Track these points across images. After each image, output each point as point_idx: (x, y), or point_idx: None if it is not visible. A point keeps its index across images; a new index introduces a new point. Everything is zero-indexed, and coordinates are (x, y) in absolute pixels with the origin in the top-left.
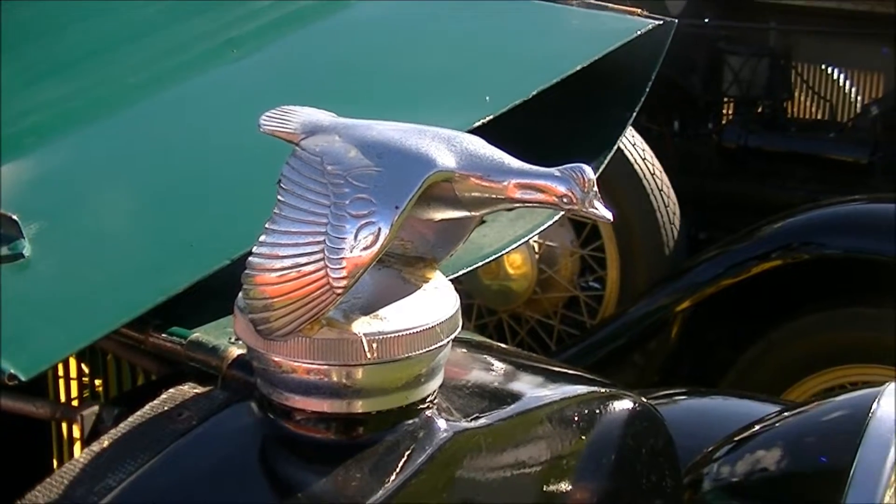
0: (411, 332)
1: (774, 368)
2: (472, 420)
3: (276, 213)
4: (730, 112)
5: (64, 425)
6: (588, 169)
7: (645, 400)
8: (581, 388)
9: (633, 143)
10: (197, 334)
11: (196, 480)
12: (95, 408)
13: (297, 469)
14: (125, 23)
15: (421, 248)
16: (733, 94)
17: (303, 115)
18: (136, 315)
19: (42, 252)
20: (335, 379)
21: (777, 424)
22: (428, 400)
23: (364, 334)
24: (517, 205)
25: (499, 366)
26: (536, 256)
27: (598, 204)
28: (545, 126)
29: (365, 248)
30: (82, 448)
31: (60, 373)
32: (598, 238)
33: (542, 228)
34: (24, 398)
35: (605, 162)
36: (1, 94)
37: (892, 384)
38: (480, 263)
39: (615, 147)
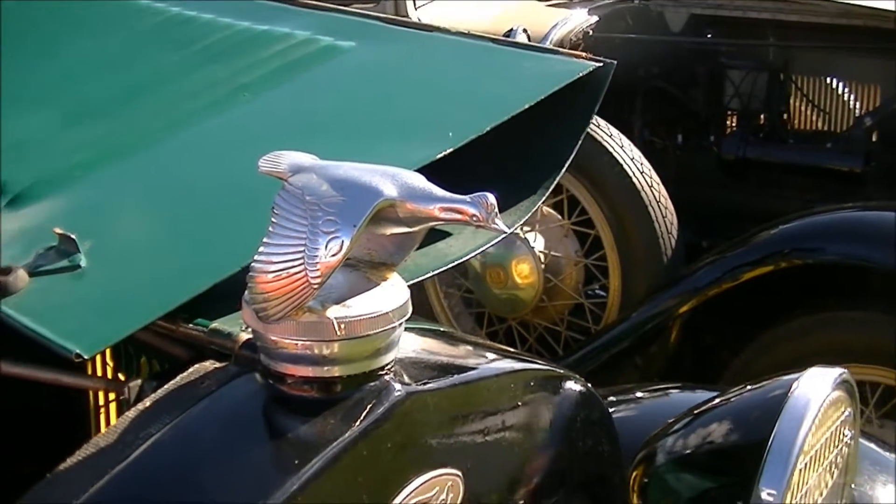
0: (370, 316)
1: (767, 369)
2: (421, 384)
3: (270, 231)
4: (730, 125)
5: (112, 395)
6: (491, 196)
7: (581, 379)
8: (521, 365)
9: (631, 158)
10: (215, 324)
11: (215, 430)
12: (139, 381)
13: (289, 419)
14: (154, 70)
15: (382, 256)
16: (733, 107)
17: (290, 158)
18: (168, 310)
19: (94, 263)
20: (315, 351)
21: (715, 407)
22: (386, 367)
23: (335, 318)
24: (441, 223)
25: (452, 347)
26: (542, 266)
27: (498, 221)
28: (502, 152)
29: (333, 255)
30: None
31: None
32: (600, 248)
33: (497, 240)
34: (86, 375)
35: (558, 178)
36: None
37: (813, 369)
38: (445, 268)
39: (566, 166)
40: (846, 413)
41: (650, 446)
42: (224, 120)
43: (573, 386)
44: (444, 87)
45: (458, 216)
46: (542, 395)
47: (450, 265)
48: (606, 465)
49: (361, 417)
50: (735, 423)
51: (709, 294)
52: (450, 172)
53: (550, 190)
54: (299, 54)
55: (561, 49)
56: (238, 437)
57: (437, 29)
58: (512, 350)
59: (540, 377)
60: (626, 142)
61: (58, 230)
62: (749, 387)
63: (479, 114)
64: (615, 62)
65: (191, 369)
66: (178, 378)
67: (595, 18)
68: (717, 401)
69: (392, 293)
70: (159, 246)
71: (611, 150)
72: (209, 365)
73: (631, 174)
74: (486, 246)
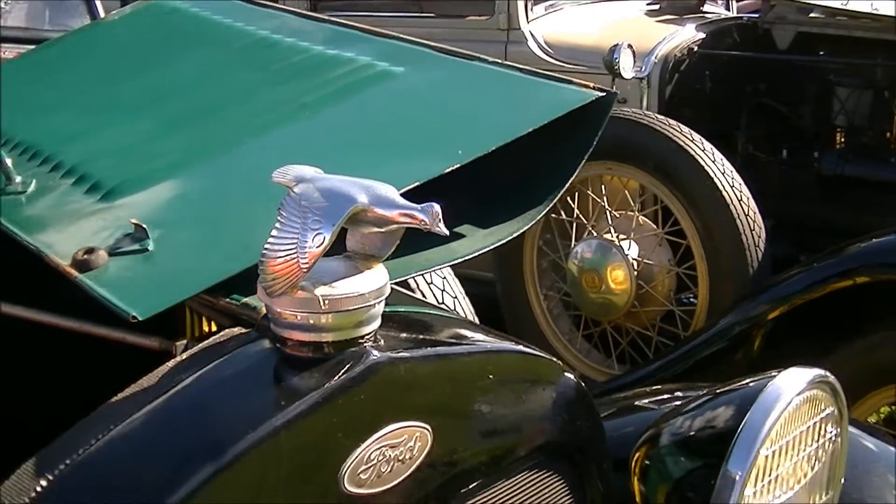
0: (350, 295)
1: (846, 381)
2: (396, 353)
3: (276, 227)
4: (832, 142)
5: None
6: (436, 206)
7: (560, 362)
8: (499, 345)
9: (722, 172)
10: (246, 299)
11: (231, 378)
12: (185, 341)
13: (287, 372)
14: (236, 87)
15: (371, 250)
16: (837, 124)
17: (296, 171)
18: (209, 286)
19: (159, 247)
20: (308, 321)
21: (708, 399)
22: (366, 337)
23: (321, 295)
24: (403, 225)
25: (440, 327)
26: (635, 273)
27: (440, 226)
28: (512, 169)
29: (318, 246)
30: None
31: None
32: (691, 258)
33: (502, 242)
34: (142, 334)
35: (560, 193)
36: (145, 140)
37: (792, 368)
38: (451, 263)
39: (568, 182)
40: (827, 410)
41: (650, 433)
42: (284, 134)
43: (550, 367)
44: (467, 109)
45: (412, 221)
46: (516, 372)
47: (456, 261)
48: (585, 438)
49: (340, 374)
50: (720, 412)
51: (795, 303)
52: (470, 183)
53: (554, 202)
54: (356, 78)
55: (574, 80)
56: (246, 384)
57: (476, 58)
58: (498, 332)
59: (516, 357)
60: (719, 156)
61: (133, 221)
62: (739, 382)
63: (490, 134)
64: (617, 92)
65: (222, 333)
66: (211, 339)
67: (701, 35)
68: (710, 394)
69: (373, 278)
70: (211, 235)
71: (703, 163)
72: (237, 330)
73: (721, 188)
74: (490, 247)
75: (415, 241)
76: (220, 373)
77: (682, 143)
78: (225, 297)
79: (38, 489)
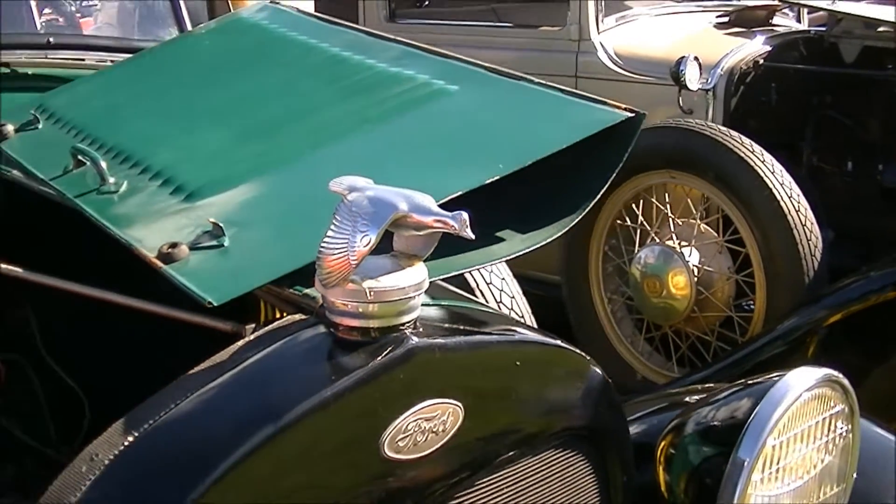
0: (392, 288)
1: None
2: (433, 339)
3: (331, 228)
4: None
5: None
6: (464, 214)
7: (586, 356)
8: (530, 337)
9: (781, 183)
10: (305, 290)
11: (290, 357)
12: (254, 325)
13: (337, 353)
14: (307, 101)
15: (412, 250)
16: None
17: (350, 181)
18: (276, 277)
19: (233, 243)
20: (357, 309)
21: (727, 395)
22: (406, 324)
23: (368, 287)
24: (435, 230)
25: (476, 319)
26: (695, 279)
27: (468, 231)
28: (549, 179)
29: (364, 246)
30: None
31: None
32: (750, 265)
33: (537, 246)
34: (217, 318)
35: (592, 203)
36: (225, 147)
37: (802, 368)
38: (489, 263)
39: (599, 193)
40: (837, 408)
41: (674, 423)
42: (347, 145)
43: (575, 358)
44: (510, 126)
45: (444, 226)
46: (542, 361)
47: (493, 262)
48: (606, 424)
49: (383, 355)
50: (737, 405)
51: (850, 311)
52: (511, 192)
53: (586, 211)
54: (414, 95)
55: (608, 101)
56: (304, 361)
57: (523, 78)
58: (529, 326)
59: (543, 348)
60: (778, 167)
61: (211, 220)
62: (754, 379)
63: (529, 150)
64: (645, 113)
65: (285, 318)
66: (275, 323)
67: (767, 48)
68: (729, 390)
69: (413, 275)
70: (277, 234)
71: (762, 174)
72: (297, 316)
73: (779, 198)
74: (526, 250)
75: (461, 244)
76: (283, 351)
77: (742, 154)
78: (288, 287)
79: (126, 443)
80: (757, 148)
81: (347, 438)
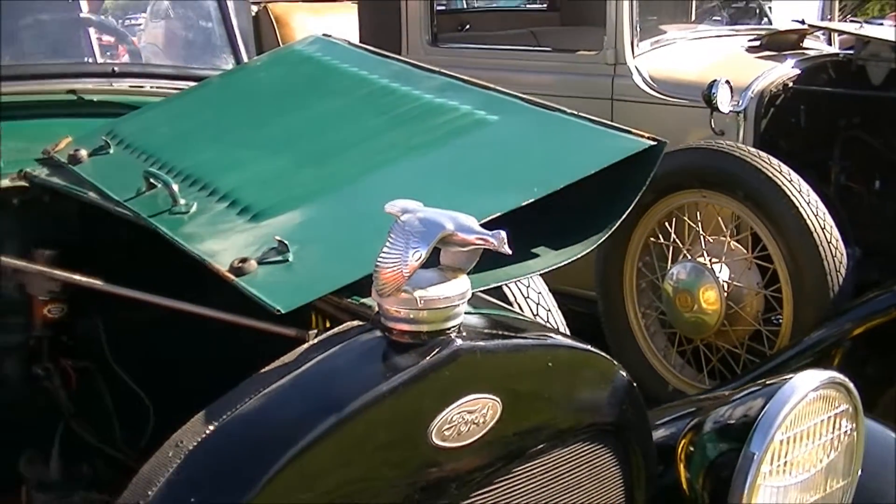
0: (439, 297)
1: None
2: (475, 342)
3: (386, 245)
4: None
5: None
6: (503, 233)
7: (613, 360)
8: (561, 341)
9: (808, 202)
10: (362, 299)
11: (354, 357)
12: (316, 331)
13: (393, 354)
14: (359, 130)
15: (457, 264)
16: None
17: (403, 203)
18: (337, 287)
19: (297, 258)
20: (408, 315)
21: (741, 396)
22: (451, 329)
23: (419, 296)
24: (477, 246)
25: (514, 326)
26: (725, 294)
27: (505, 247)
28: (580, 200)
29: (416, 261)
30: None
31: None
32: (778, 281)
33: (569, 261)
34: (282, 325)
35: (619, 222)
36: (285, 172)
37: (808, 370)
38: (525, 275)
39: (626, 213)
40: (841, 407)
41: (694, 422)
42: (396, 170)
43: (601, 361)
44: (544, 153)
45: (485, 243)
46: (572, 363)
47: (528, 274)
48: (630, 421)
49: (431, 355)
50: (750, 404)
51: (874, 322)
52: (545, 212)
53: (613, 229)
54: (458, 124)
55: (632, 130)
56: (361, 361)
57: (557, 109)
58: (561, 332)
59: (573, 351)
60: (805, 186)
61: (277, 237)
62: (766, 382)
63: (561, 174)
64: (667, 141)
65: (344, 324)
66: (335, 329)
67: (797, 71)
68: (744, 392)
69: (458, 285)
70: (337, 250)
71: (789, 193)
72: (355, 323)
73: (805, 216)
74: (558, 265)
75: (500, 259)
76: (343, 353)
77: (770, 174)
78: (347, 297)
79: (207, 431)
80: (784, 168)
81: (400, 428)
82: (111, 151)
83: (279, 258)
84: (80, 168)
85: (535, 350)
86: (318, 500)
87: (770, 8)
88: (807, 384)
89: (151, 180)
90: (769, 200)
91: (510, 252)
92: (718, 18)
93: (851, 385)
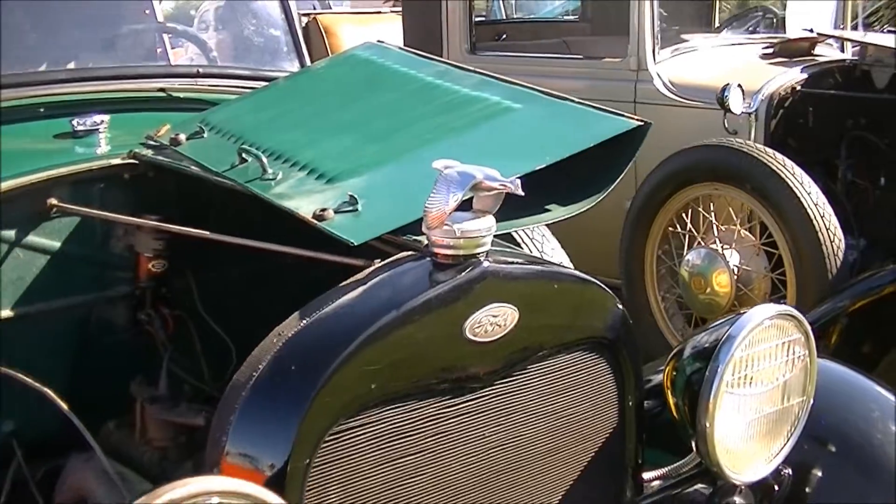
0: (471, 230)
1: None
2: (498, 265)
3: (432, 193)
4: None
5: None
6: (518, 180)
7: (607, 289)
8: (564, 271)
9: (808, 193)
10: (415, 237)
11: (409, 276)
12: (379, 260)
13: (438, 273)
14: (409, 116)
15: (485, 207)
16: None
17: (445, 162)
18: (395, 227)
19: (364, 208)
20: (449, 244)
21: (711, 327)
22: (481, 254)
23: (457, 229)
24: (499, 191)
25: (528, 257)
26: (735, 278)
27: (519, 190)
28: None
29: (455, 201)
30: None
31: None
32: (783, 265)
33: (573, 214)
34: (352, 257)
35: (614, 184)
36: (353, 147)
37: (765, 304)
38: (538, 223)
39: (620, 177)
40: (794, 336)
41: (675, 350)
42: (440, 146)
43: (598, 289)
44: (555, 131)
45: (505, 188)
46: (573, 288)
47: (541, 222)
48: (621, 337)
49: (465, 272)
50: (719, 332)
51: (869, 298)
52: (556, 175)
53: (609, 190)
54: (488, 111)
55: (624, 114)
56: (414, 278)
57: (568, 99)
58: (582, 273)
59: (574, 279)
60: (807, 179)
61: (349, 192)
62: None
63: (568, 146)
64: (651, 123)
65: (401, 254)
66: (394, 258)
67: (805, 76)
68: (715, 323)
69: (485, 223)
70: (394, 200)
71: (792, 185)
72: (409, 253)
73: (807, 206)
74: (566, 216)
75: (520, 212)
76: (401, 272)
77: (774, 168)
78: (402, 235)
79: (300, 326)
80: (788, 163)
81: (443, 324)
82: (205, 136)
83: (350, 208)
84: (180, 149)
85: (545, 274)
86: (381, 371)
87: (784, 17)
88: (763, 313)
89: (244, 155)
90: (774, 192)
91: (523, 194)
92: (738, 27)
93: (802, 318)
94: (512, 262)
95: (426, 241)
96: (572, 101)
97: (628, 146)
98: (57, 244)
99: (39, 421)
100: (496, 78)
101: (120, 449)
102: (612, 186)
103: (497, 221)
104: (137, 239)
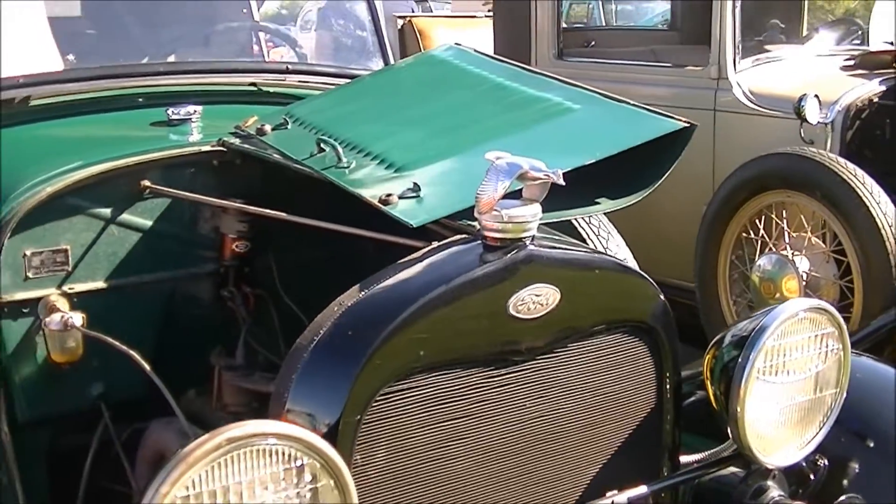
0: (518, 216)
1: None
2: (543, 249)
3: (483, 182)
4: None
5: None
6: (560, 171)
7: (648, 278)
8: (607, 259)
9: (877, 202)
10: (468, 222)
11: (461, 256)
12: (435, 242)
13: (487, 253)
14: (477, 113)
15: (532, 196)
16: None
17: (496, 153)
18: (451, 212)
19: (426, 195)
20: (498, 228)
21: (750, 318)
22: (527, 238)
23: (505, 214)
24: (543, 181)
25: (586, 248)
26: (805, 284)
27: (561, 180)
28: (633, 163)
29: (503, 189)
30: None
31: None
32: (851, 273)
33: (619, 207)
34: (413, 239)
35: (661, 181)
36: (421, 140)
37: (799, 299)
38: (586, 214)
39: (667, 174)
40: (827, 329)
41: (717, 338)
42: (504, 140)
43: (639, 278)
44: (608, 129)
45: (548, 178)
46: (615, 275)
47: (589, 213)
48: (660, 322)
49: (511, 253)
50: (755, 322)
51: None
52: (607, 170)
53: (656, 185)
54: (549, 111)
55: (673, 116)
56: (466, 259)
57: (622, 100)
58: (627, 263)
59: (616, 267)
60: (876, 188)
61: (414, 181)
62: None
63: (618, 143)
64: (697, 125)
65: (454, 237)
66: (448, 240)
67: (883, 88)
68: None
69: (532, 209)
70: (452, 188)
71: (861, 194)
72: (462, 236)
73: (875, 214)
74: (613, 209)
75: (573, 204)
76: (455, 253)
77: (844, 177)
78: (458, 220)
79: (360, 296)
80: (859, 172)
81: (489, 301)
82: (289, 127)
83: (413, 195)
84: (266, 138)
85: (586, 260)
86: (430, 340)
87: (868, 29)
88: (796, 306)
89: (322, 145)
90: (843, 200)
91: (563, 183)
92: (824, 39)
93: (836, 312)
94: (555, 248)
95: (478, 226)
96: (627, 102)
97: (677, 145)
98: (149, 223)
99: (126, 385)
100: (561, 81)
101: (198, 415)
102: (659, 183)
103: (548, 210)
104: (223, 221)
